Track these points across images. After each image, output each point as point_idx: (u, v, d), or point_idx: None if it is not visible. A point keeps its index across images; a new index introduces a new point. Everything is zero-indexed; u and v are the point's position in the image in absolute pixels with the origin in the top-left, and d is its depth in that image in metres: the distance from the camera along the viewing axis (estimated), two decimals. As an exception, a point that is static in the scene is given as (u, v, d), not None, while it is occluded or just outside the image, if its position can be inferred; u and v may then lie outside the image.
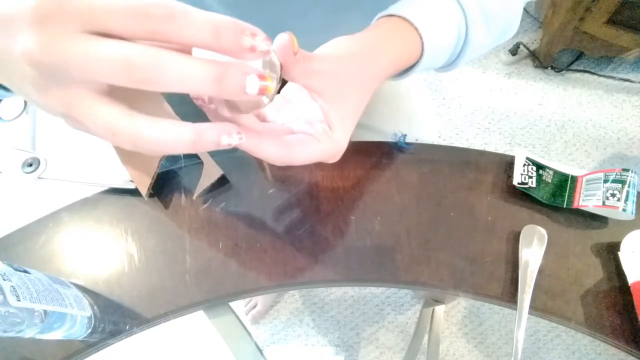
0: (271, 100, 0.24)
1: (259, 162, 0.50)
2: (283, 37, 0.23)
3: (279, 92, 0.26)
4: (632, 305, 0.40)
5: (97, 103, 0.19)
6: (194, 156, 0.49)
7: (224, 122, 0.21)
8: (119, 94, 0.20)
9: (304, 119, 0.29)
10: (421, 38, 0.33)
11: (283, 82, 0.25)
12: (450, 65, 0.40)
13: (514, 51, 1.39)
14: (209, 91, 0.18)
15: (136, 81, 0.17)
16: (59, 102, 0.19)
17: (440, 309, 0.72)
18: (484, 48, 0.40)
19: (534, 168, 0.47)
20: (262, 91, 0.19)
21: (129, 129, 0.19)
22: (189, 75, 0.18)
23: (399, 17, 0.33)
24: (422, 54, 0.34)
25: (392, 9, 0.34)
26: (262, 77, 0.19)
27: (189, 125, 0.19)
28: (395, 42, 0.32)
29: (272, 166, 0.49)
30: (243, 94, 0.19)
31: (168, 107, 0.42)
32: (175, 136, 0.19)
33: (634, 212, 0.41)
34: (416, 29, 0.33)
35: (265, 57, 0.23)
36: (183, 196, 0.47)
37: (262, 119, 0.30)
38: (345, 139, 0.29)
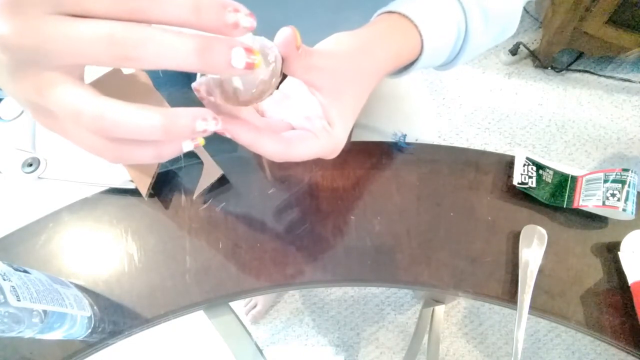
0: (271, 93, 0.24)
1: (259, 161, 0.50)
2: (286, 31, 0.23)
3: (278, 87, 0.26)
4: (632, 305, 0.40)
5: (69, 85, 0.18)
6: (194, 156, 0.49)
7: (199, 108, 0.20)
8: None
9: (303, 115, 0.29)
10: (421, 35, 0.33)
11: (283, 77, 0.25)
12: (449, 63, 0.40)
13: (514, 51, 1.39)
14: (193, 66, 0.18)
15: (117, 58, 0.17)
16: (31, 87, 0.18)
17: (440, 309, 0.72)
18: (484, 47, 0.40)
19: (534, 168, 0.47)
20: (250, 66, 0.18)
21: (92, 109, 0.18)
22: (171, 49, 0.17)
23: (399, 14, 0.33)
24: (421, 51, 0.34)
25: (392, 6, 0.34)
26: (249, 50, 0.18)
27: (159, 110, 0.18)
28: (395, 39, 0.32)
29: (271, 165, 0.49)
30: (229, 67, 0.18)
31: (167, 106, 0.42)
32: (142, 119, 0.18)
33: (634, 212, 0.41)
34: (416, 26, 0.33)
35: (266, 50, 0.23)
36: (183, 196, 0.47)
37: (261, 114, 0.30)
38: (344, 135, 0.29)
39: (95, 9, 0.17)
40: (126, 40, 0.16)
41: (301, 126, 0.28)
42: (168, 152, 0.21)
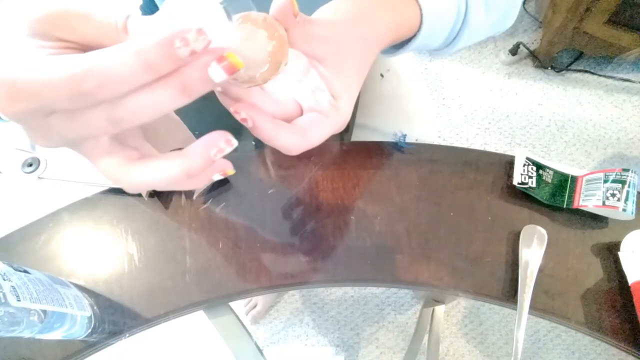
0: (285, 63, 0.23)
1: (263, 160, 0.50)
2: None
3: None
4: (632, 305, 0.40)
5: (98, 157, 0.21)
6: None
7: (206, 138, 0.21)
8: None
9: (307, 90, 0.28)
10: (420, 8, 0.32)
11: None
12: (447, 47, 0.39)
13: (514, 51, 1.39)
14: (185, 102, 0.18)
15: (121, 127, 0.19)
16: (80, 153, 0.21)
17: (440, 309, 0.72)
18: (482, 33, 0.40)
19: (534, 168, 0.47)
20: (232, 70, 0.18)
21: (125, 181, 0.21)
22: (160, 105, 0.18)
23: None
24: (420, 25, 0.33)
25: None
26: (221, 58, 0.18)
27: (176, 159, 0.20)
28: (394, 8, 0.32)
29: (274, 164, 0.49)
30: (215, 84, 0.18)
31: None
32: (167, 174, 0.20)
33: (634, 212, 0.41)
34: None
35: (266, 22, 0.22)
36: (183, 196, 0.47)
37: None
38: (350, 107, 0.28)
39: (69, 109, 0.18)
40: (122, 115, 0.18)
41: (307, 105, 0.27)
42: (199, 184, 0.23)
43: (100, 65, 0.17)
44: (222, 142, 0.21)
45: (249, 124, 0.23)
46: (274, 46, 0.22)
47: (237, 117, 0.22)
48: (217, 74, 0.18)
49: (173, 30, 0.17)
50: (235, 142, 0.21)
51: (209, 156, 0.20)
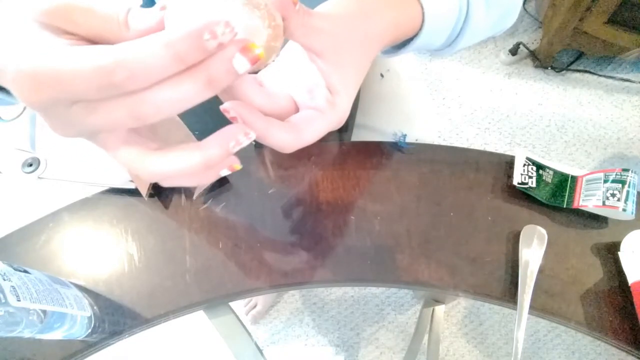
0: (277, 55, 0.22)
1: (262, 160, 0.50)
2: None
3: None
4: (632, 305, 0.40)
5: (116, 147, 0.21)
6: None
7: (225, 130, 0.21)
8: None
9: (304, 86, 0.27)
10: (422, 7, 0.32)
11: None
12: (448, 47, 0.39)
13: (514, 51, 1.39)
14: (210, 95, 0.18)
15: (144, 121, 0.19)
16: (96, 143, 0.21)
17: (440, 309, 0.72)
18: (483, 32, 0.40)
19: (534, 168, 0.47)
20: (255, 60, 0.18)
21: (144, 170, 0.21)
22: (184, 99, 0.18)
23: None
24: (422, 24, 0.33)
25: None
26: (245, 49, 0.18)
27: (194, 149, 0.20)
28: (395, 6, 0.31)
29: (274, 164, 0.49)
30: (239, 76, 0.18)
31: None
32: (186, 164, 0.20)
33: (634, 212, 0.41)
34: None
35: (261, 11, 0.21)
36: (183, 196, 0.47)
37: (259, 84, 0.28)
38: (348, 105, 0.27)
39: (98, 100, 0.18)
40: (146, 110, 0.18)
41: (303, 102, 0.27)
42: (208, 179, 0.23)
43: (130, 56, 0.17)
44: (240, 135, 0.21)
45: (238, 122, 0.23)
46: (269, 35, 0.21)
47: (227, 115, 0.22)
48: (241, 65, 0.18)
49: (201, 22, 0.17)
50: (253, 135, 0.21)
51: (227, 148, 0.20)
